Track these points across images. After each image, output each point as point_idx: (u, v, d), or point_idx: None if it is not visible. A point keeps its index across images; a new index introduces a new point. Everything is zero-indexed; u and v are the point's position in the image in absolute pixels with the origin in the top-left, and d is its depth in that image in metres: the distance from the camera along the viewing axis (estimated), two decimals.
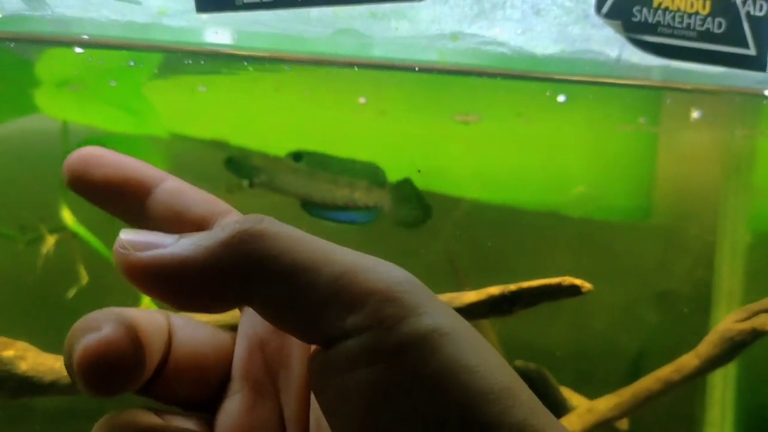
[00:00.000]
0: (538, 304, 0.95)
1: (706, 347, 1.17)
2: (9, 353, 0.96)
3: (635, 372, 2.26)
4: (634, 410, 1.22)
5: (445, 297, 0.97)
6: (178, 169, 1.84)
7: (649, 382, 1.21)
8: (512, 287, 0.94)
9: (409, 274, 0.39)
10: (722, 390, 1.96)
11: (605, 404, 1.24)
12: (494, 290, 0.95)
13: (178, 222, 0.43)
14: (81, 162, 0.46)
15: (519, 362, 1.26)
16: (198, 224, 0.42)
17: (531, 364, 1.27)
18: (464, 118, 1.91)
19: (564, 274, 2.23)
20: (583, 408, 1.24)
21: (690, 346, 2.18)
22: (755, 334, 1.12)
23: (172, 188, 0.44)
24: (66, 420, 2.20)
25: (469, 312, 0.97)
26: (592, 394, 1.62)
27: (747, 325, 1.14)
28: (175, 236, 0.38)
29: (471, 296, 0.96)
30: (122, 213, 0.46)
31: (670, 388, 1.20)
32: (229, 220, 0.42)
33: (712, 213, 2.02)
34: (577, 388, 1.65)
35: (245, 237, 0.36)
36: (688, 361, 1.19)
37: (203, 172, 2.12)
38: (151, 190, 0.44)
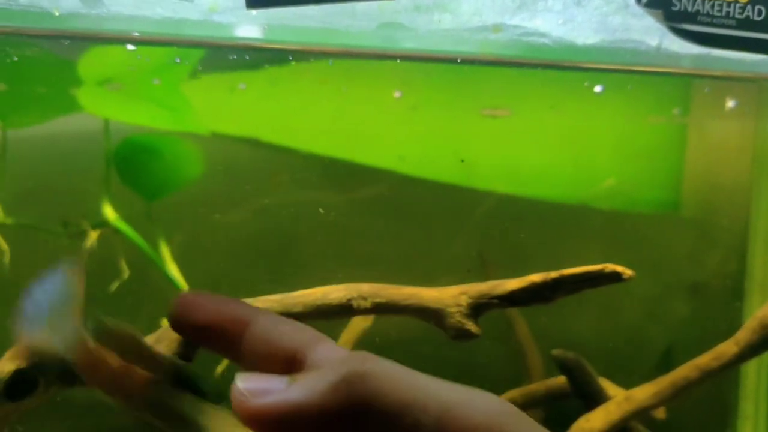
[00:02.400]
0: (579, 291, 0.97)
1: (745, 334, 1.17)
2: None
3: (667, 364, 2.25)
4: (673, 399, 1.23)
5: (488, 285, 0.99)
6: (217, 167, 1.87)
7: (687, 370, 1.22)
8: (554, 274, 0.96)
9: (504, 402, 0.42)
10: (756, 382, 1.95)
11: (643, 393, 1.25)
12: (536, 278, 0.96)
13: (273, 355, 0.47)
14: (182, 308, 0.53)
15: (557, 351, 1.28)
16: (292, 356, 0.46)
17: (570, 353, 1.28)
18: (493, 112, 1.92)
19: (592, 263, 2.24)
20: (621, 397, 1.25)
21: (722, 338, 2.18)
22: None
23: (265, 323, 0.49)
24: (99, 413, 2.26)
25: (512, 299, 0.99)
26: (623, 386, 1.63)
27: None
28: (285, 379, 0.41)
29: (513, 284, 0.97)
30: (223, 349, 0.52)
31: (708, 376, 1.20)
32: (332, 356, 0.45)
33: (743, 204, 2.01)
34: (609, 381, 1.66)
35: (353, 379, 0.39)
36: (727, 348, 1.19)
37: (242, 169, 2.16)
38: (246, 326, 0.50)
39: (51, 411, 2.15)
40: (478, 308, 0.99)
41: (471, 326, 0.98)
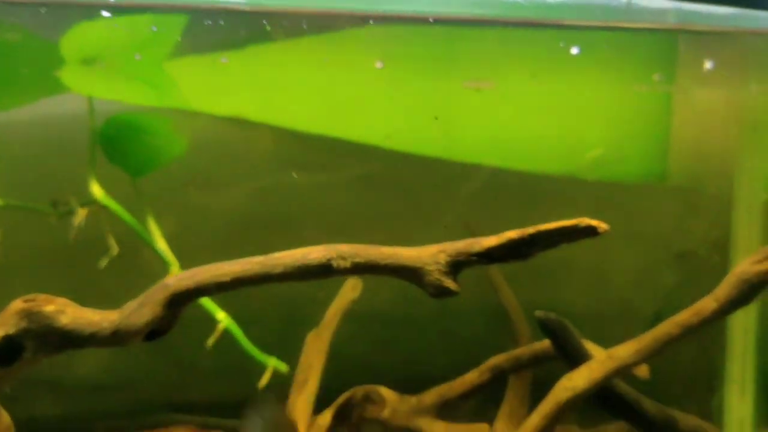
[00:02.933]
0: (556, 246, 0.98)
1: (724, 290, 1.18)
2: (50, 308, 1.00)
3: None
4: (654, 355, 1.25)
5: (465, 242, 1.00)
6: (202, 145, 1.89)
7: (668, 327, 1.24)
8: (530, 230, 0.97)
9: None
10: (743, 345, 1.98)
11: (625, 350, 1.26)
12: (513, 234, 0.97)
13: None
14: None
15: (539, 312, 1.29)
16: None
17: (551, 314, 1.30)
18: (476, 84, 1.93)
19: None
20: (603, 355, 1.27)
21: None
22: None
23: None
24: (93, 394, 2.28)
25: (489, 256, 1.00)
26: None
27: (765, 266, 1.15)
28: None
29: (491, 240, 0.99)
30: None
31: (689, 332, 1.22)
32: None
33: (728, 171, 2.02)
34: None
35: None
36: (707, 304, 1.20)
37: (225, 148, 2.17)
38: None
39: (47, 392, 2.17)
40: (456, 265, 1.00)
41: (450, 284, 1.00)
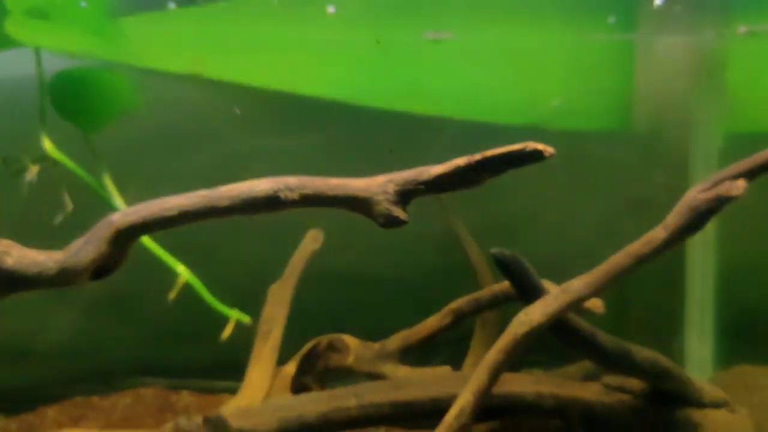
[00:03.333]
0: (504, 172, 0.98)
1: (673, 219, 1.20)
2: None
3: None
4: (608, 287, 1.27)
5: (414, 171, 1.00)
6: (153, 103, 1.84)
7: (620, 258, 1.25)
8: (477, 156, 0.97)
9: None
10: (701, 290, 2.02)
11: (579, 283, 1.28)
12: (460, 161, 0.97)
13: None
14: None
15: (495, 250, 1.30)
16: None
17: (507, 251, 1.30)
18: (435, 35, 1.92)
19: (547, 187, 2.27)
20: (558, 289, 1.28)
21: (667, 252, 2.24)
22: (720, 201, 1.15)
23: None
24: (64, 359, 2.25)
25: (438, 184, 1.00)
26: None
27: (711, 194, 1.17)
28: None
29: (439, 168, 0.99)
30: None
31: (640, 262, 1.23)
32: None
33: (686, 120, 2.04)
34: None
35: None
36: (657, 234, 1.22)
37: (180, 108, 2.13)
38: None
39: (18, 360, 2.14)
40: (405, 195, 1.00)
41: (399, 213, 1.00)
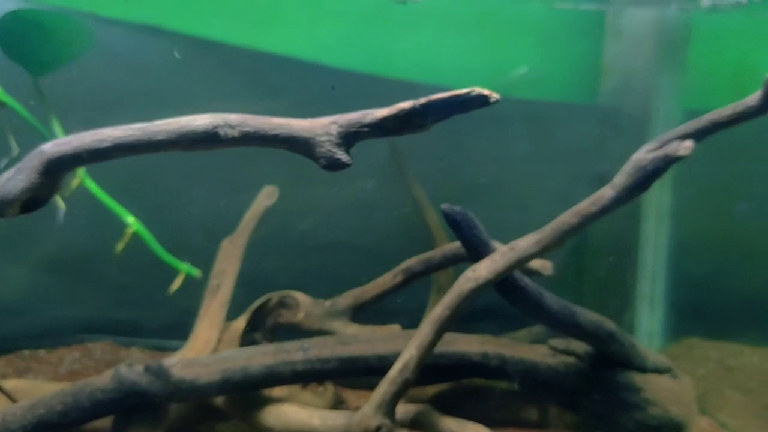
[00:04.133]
0: (449, 116, 0.97)
1: (621, 177, 1.20)
2: None
3: (575, 251, 2.34)
4: (555, 245, 1.27)
5: (358, 114, 0.98)
6: (109, 54, 1.77)
7: (567, 216, 1.25)
8: (422, 100, 0.96)
9: None
10: (652, 263, 2.04)
11: (526, 242, 1.28)
12: (405, 104, 0.96)
13: None
14: None
15: (445, 205, 1.29)
16: None
17: (456, 206, 1.30)
18: None
19: (508, 154, 2.28)
20: (505, 247, 1.28)
21: (625, 222, 2.26)
22: (667, 161, 1.15)
23: None
24: (14, 316, 2.21)
25: (383, 127, 0.99)
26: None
27: (659, 153, 1.17)
28: None
29: (384, 111, 0.97)
30: None
31: (587, 220, 1.24)
32: None
33: (647, 92, 2.05)
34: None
35: None
36: (605, 192, 1.22)
37: (134, 58, 2.07)
38: None
39: None
40: (349, 137, 0.98)
41: (342, 155, 0.98)
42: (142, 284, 1.93)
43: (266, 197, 1.65)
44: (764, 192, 1.82)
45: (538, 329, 1.69)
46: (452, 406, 1.75)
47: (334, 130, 0.96)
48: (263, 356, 1.37)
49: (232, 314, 1.66)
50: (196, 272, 1.56)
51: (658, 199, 2.03)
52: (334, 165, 0.96)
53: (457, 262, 1.53)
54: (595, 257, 2.10)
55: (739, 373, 1.91)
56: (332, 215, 2.09)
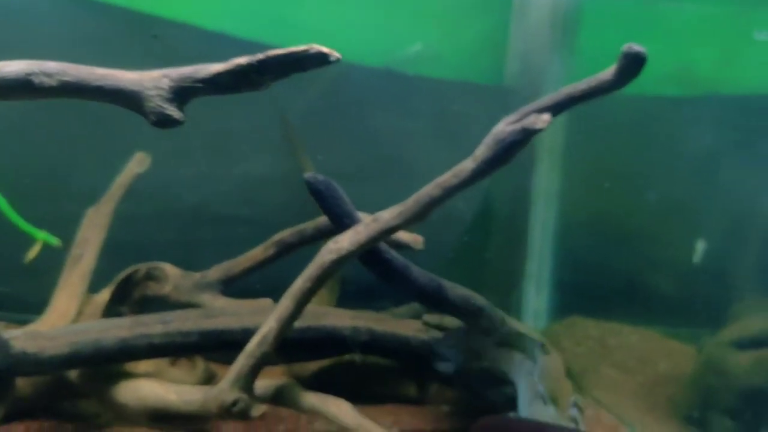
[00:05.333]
0: (288, 74, 0.93)
1: (481, 150, 1.19)
2: None
3: (469, 231, 2.35)
4: (418, 218, 1.25)
5: (192, 68, 0.93)
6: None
7: (430, 189, 1.23)
8: (260, 56, 0.91)
9: None
10: (540, 243, 2.07)
11: (390, 214, 1.25)
12: (242, 60, 0.92)
13: None
14: None
15: (307, 174, 1.25)
16: None
17: (320, 175, 1.26)
18: None
19: (410, 135, 2.25)
20: (368, 218, 1.26)
21: (515, 203, 2.29)
22: (526, 133, 1.15)
23: None
24: None
25: (217, 83, 0.93)
26: (434, 255, 1.65)
27: (517, 126, 1.17)
28: None
29: (218, 66, 0.92)
30: None
31: (449, 192, 1.23)
32: None
33: (541, 71, 2.07)
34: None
35: None
36: (465, 165, 1.21)
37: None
38: None
39: None
40: (181, 92, 0.93)
41: (173, 111, 0.93)
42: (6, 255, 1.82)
43: (137, 164, 1.57)
44: (643, 174, 1.87)
45: (418, 306, 1.68)
46: (332, 382, 1.73)
47: (165, 84, 0.91)
48: (118, 329, 1.30)
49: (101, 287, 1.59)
50: (55, 241, 1.47)
51: (546, 181, 2.06)
52: (164, 121, 0.91)
53: (331, 235, 1.49)
54: (486, 238, 2.12)
55: (618, 352, 1.96)
56: (226, 188, 2.02)
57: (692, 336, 1.88)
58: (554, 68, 1.99)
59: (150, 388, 1.31)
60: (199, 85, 0.91)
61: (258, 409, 1.27)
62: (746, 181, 1.70)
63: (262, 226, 2.08)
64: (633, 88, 1.95)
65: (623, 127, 1.90)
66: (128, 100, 0.90)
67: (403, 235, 1.40)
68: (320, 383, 1.48)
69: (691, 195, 1.80)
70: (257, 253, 1.51)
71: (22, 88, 0.87)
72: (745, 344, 1.61)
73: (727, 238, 1.73)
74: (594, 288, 2.00)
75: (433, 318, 1.48)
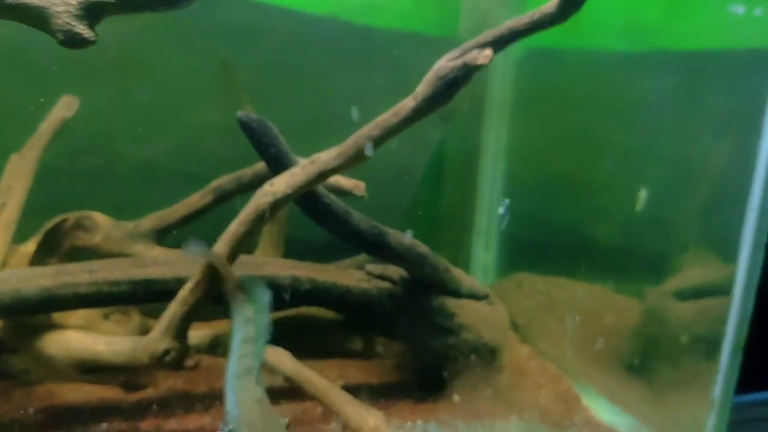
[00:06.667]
0: None
1: (422, 88, 1.15)
2: None
3: (422, 189, 2.32)
4: (357, 159, 1.21)
5: None
6: None
7: (368, 129, 1.19)
8: None
9: None
10: (489, 199, 2.06)
11: (327, 155, 1.21)
12: None
13: None
14: None
15: (240, 112, 1.19)
16: None
17: (252, 114, 1.21)
18: None
19: (357, 86, 2.19)
20: (306, 161, 1.21)
21: (465, 160, 2.26)
22: (467, 69, 1.11)
23: None
24: None
25: (131, 1, 0.87)
26: (388, 217, 1.60)
27: (459, 62, 1.13)
28: None
29: None
30: None
31: (389, 132, 1.18)
32: None
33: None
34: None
35: None
36: (406, 104, 1.17)
37: None
38: None
39: None
40: (91, 9, 0.86)
41: (83, 30, 0.86)
42: None
43: (64, 108, 1.48)
44: (588, 128, 1.86)
45: (362, 258, 1.64)
46: (279, 337, 1.70)
47: (74, 0, 0.84)
48: (41, 278, 1.23)
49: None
50: None
51: (496, 138, 2.04)
52: (72, 40, 0.84)
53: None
54: (437, 195, 2.09)
55: (564, 306, 1.97)
56: (170, 144, 1.94)
57: (637, 291, 1.90)
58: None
59: (78, 339, 1.25)
60: (111, 0, 0.85)
61: (192, 359, 1.23)
62: (689, 132, 1.71)
63: (208, 181, 2.02)
64: (580, 42, 1.94)
65: (569, 82, 1.88)
66: (34, 17, 0.83)
67: (344, 181, 1.36)
68: None
69: (635, 147, 1.80)
70: (194, 200, 1.45)
71: None
72: (687, 295, 1.62)
73: (669, 189, 1.73)
74: (541, 244, 1.99)
75: (376, 268, 1.45)
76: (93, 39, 0.85)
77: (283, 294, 1.31)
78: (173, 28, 1.82)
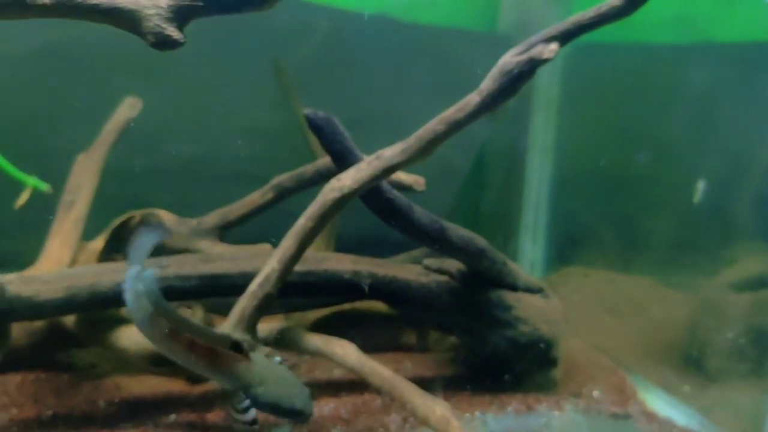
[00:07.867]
0: None
1: (487, 83, 1.16)
2: None
3: (468, 184, 2.33)
4: (422, 154, 1.23)
5: None
6: None
7: (433, 124, 1.21)
8: None
9: None
10: (536, 195, 2.06)
11: (392, 151, 1.23)
12: None
13: None
14: None
15: (308, 110, 1.22)
16: None
17: (320, 112, 1.23)
18: None
19: (402, 83, 2.22)
20: (371, 156, 1.23)
21: (513, 156, 2.27)
22: (533, 64, 1.12)
23: None
24: None
25: (219, 2, 0.89)
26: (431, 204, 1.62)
27: (524, 57, 1.14)
28: None
29: None
30: None
31: (454, 128, 1.20)
32: None
33: (540, 23, 2.04)
34: None
35: None
36: (471, 99, 1.18)
37: None
38: None
39: None
40: (181, 12, 0.89)
41: (173, 32, 0.89)
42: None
43: (128, 109, 1.52)
44: (640, 121, 1.85)
45: (417, 252, 1.66)
46: (333, 332, 1.73)
47: (164, 2, 0.87)
48: (114, 273, 1.28)
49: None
50: (45, 186, 1.43)
51: (543, 134, 2.04)
52: (163, 43, 0.87)
53: (330, 178, 1.47)
54: (483, 191, 2.10)
55: (613, 299, 1.97)
56: (224, 143, 1.98)
57: (688, 283, 1.90)
58: (549, 16, 1.96)
59: None
60: (200, 3, 0.87)
61: (262, 352, 1.25)
62: (741, 123, 1.70)
63: (262, 181, 2.06)
64: (630, 36, 1.93)
65: (618, 76, 1.88)
66: (125, 20, 0.86)
67: (403, 177, 1.38)
68: (320, 333, 1.47)
69: (686, 139, 1.80)
70: (255, 197, 1.49)
71: (15, 5, 0.82)
72: (743, 286, 1.61)
73: (723, 181, 1.73)
74: (589, 238, 2.00)
75: (433, 262, 1.47)
76: (182, 41, 0.88)
77: (362, 285, 1.34)
78: (224, 28, 1.86)
